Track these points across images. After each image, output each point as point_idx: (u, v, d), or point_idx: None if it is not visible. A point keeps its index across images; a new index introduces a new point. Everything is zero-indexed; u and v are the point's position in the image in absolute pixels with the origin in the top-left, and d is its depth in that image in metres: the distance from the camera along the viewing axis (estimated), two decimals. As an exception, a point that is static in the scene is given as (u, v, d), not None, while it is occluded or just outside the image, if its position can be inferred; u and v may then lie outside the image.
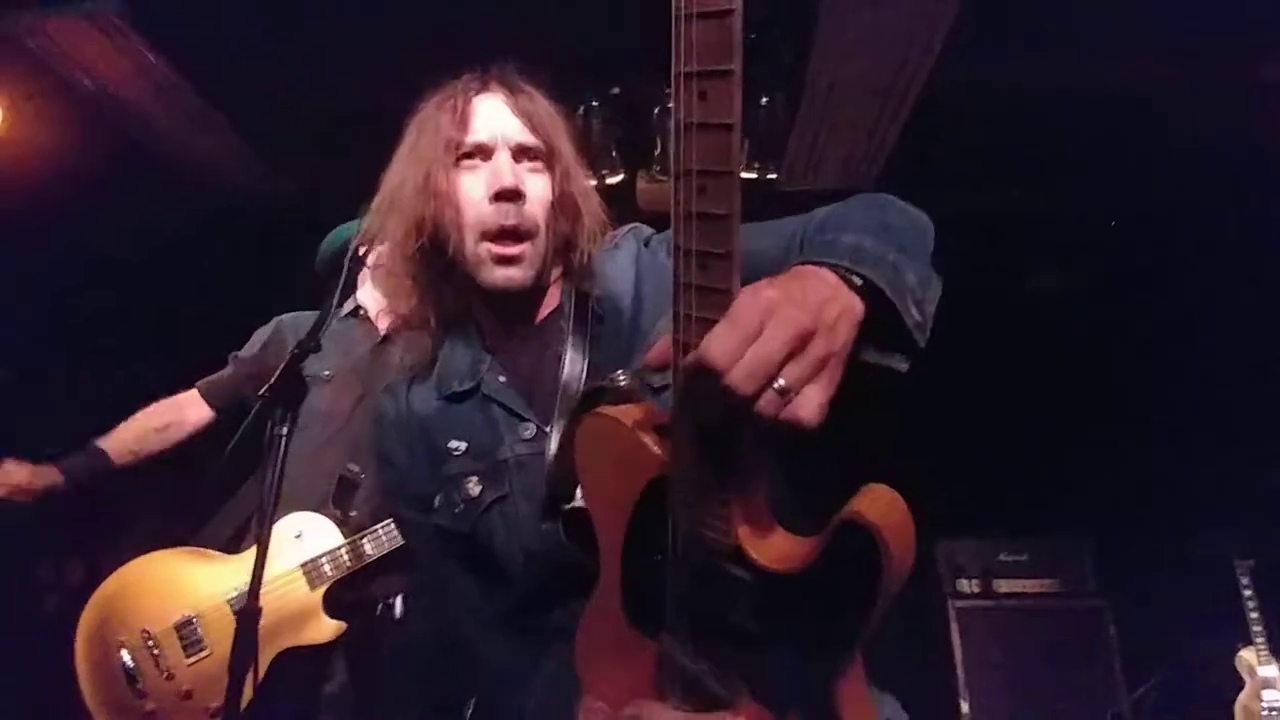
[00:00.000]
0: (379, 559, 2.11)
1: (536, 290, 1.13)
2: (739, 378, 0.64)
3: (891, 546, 0.70)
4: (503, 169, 1.06)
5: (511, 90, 1.12)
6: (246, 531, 2.16)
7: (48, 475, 2.14)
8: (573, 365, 1.06)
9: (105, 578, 2.04)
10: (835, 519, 0.73)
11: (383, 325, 2.54)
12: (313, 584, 2.06)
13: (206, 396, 2.43)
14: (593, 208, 1.15)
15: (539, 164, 1.10)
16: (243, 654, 1.45)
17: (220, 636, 1.96)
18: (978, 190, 3.72)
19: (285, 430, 1.59)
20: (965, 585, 3.85)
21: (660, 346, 0.77)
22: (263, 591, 1.89)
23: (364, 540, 2.11)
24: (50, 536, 3.16)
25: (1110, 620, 3.70)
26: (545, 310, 1.16)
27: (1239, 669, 3.49)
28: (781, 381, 0.65)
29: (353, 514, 2.17)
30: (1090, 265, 3.94)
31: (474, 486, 1.07)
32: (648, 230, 1.22)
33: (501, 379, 1.11)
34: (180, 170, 3.47)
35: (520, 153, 1.09)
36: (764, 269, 0.80)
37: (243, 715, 1.65)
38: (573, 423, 0.93)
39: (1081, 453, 3.96)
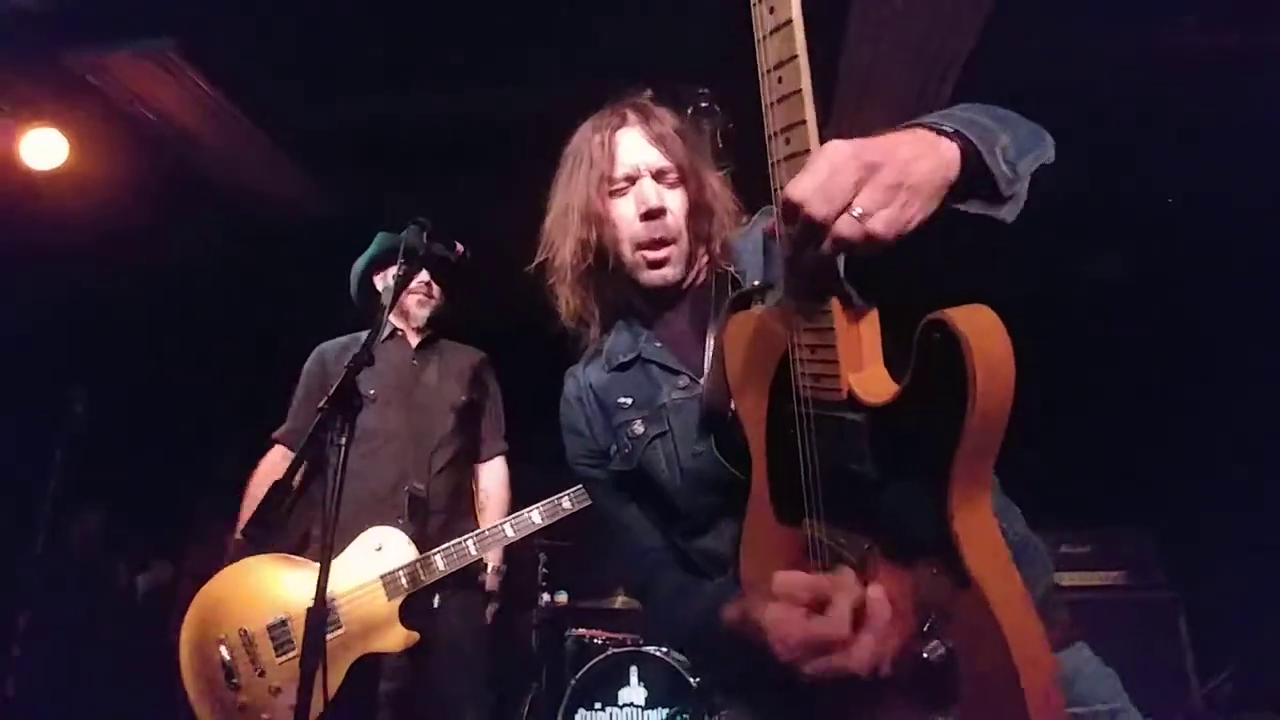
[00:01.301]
0: (448, 574, 2.27)
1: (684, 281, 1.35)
2: (816, 205, 0.78)
3: (972, 340, 0.74)
4: (647, 193, 1.29)
5: (645, 119, 1.34)
6: (312, 540, 2.31)
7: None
8: (716, 328, 1.24)
9: (186, 578, 2.22)
10: (924, 330, 0.79)
11: (414, 342, 2.69)
12: (390, 595, 2.19)
13: (289, 445, 2.59)
14: (724, 203, 1.35)
15: (675, 179, 1.32)
16: (311, 653, 1.55)
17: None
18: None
19: (344, 440, 1.70)
20: (1025, 578, 3.74)
21: (767, 222, 0.95)
22: (347, 600, 2.14)
23: (436, 556, 2.27)
24: (134, 540, 3.42)
25: (1181, 612, 3.53)
26: (692, 285, 1.36)
27: (1321, 662, 3.30)
28: (857, 208, 0.78)
29: (420, 529, 2.34)
30: (1149, 248, 3.71)
31: (638, 426, 1.27)
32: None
33: (657, 345, 1.32)
34: (233, 191, 3.64)
35: (659, 175, 1.31)
36: None
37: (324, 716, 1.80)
38: (720, 332, 1.12)
39: (1143, 441, 3.77)
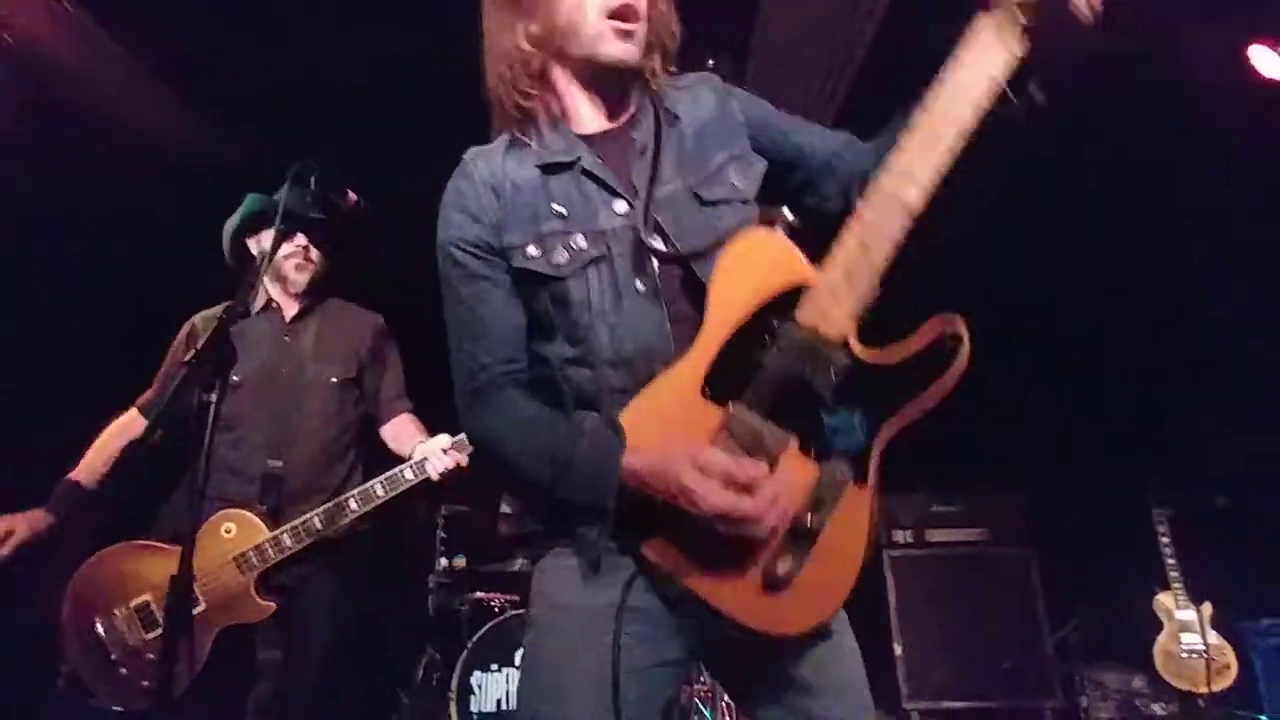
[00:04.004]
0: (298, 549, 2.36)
1: (633, 76, 1.33)
2: None
3: (964, 360, 1.06)
4: None
5: None
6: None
7: (41, 520, 2.38)
8: (644, 160, 1.28)
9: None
10: (943, 333, 1.08)
11: (290, 312, 2.59)
12: (244, 571, 2.33)
13: (147, 414, 2.59)
14: (671, 26, 1.36)
15: None
16: (172, 628, 1.68)
17: (171, 615, 2.36)
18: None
19: (214, 397, 1.65)
20: (900, 536, 4.01)
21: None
22: (200, 581, 2.30)
23: (284, 534, 2.36)
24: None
25: (1035, 567, 3.88)
26: (627, 115, 1.36)
27: (1157, 612, 3.68)
28: None
29: (276, 506, 2.40)
30: (1028, 225, 3.99)
31: (581, 240, 1.25)
32: (716, 78, 1.45)
33: (597, 159, 1.29)
34: (112, 127, 3.38)
35: None
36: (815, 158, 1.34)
37: (191, 681, 2.19)
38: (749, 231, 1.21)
39: (1011, 409, 4.08)
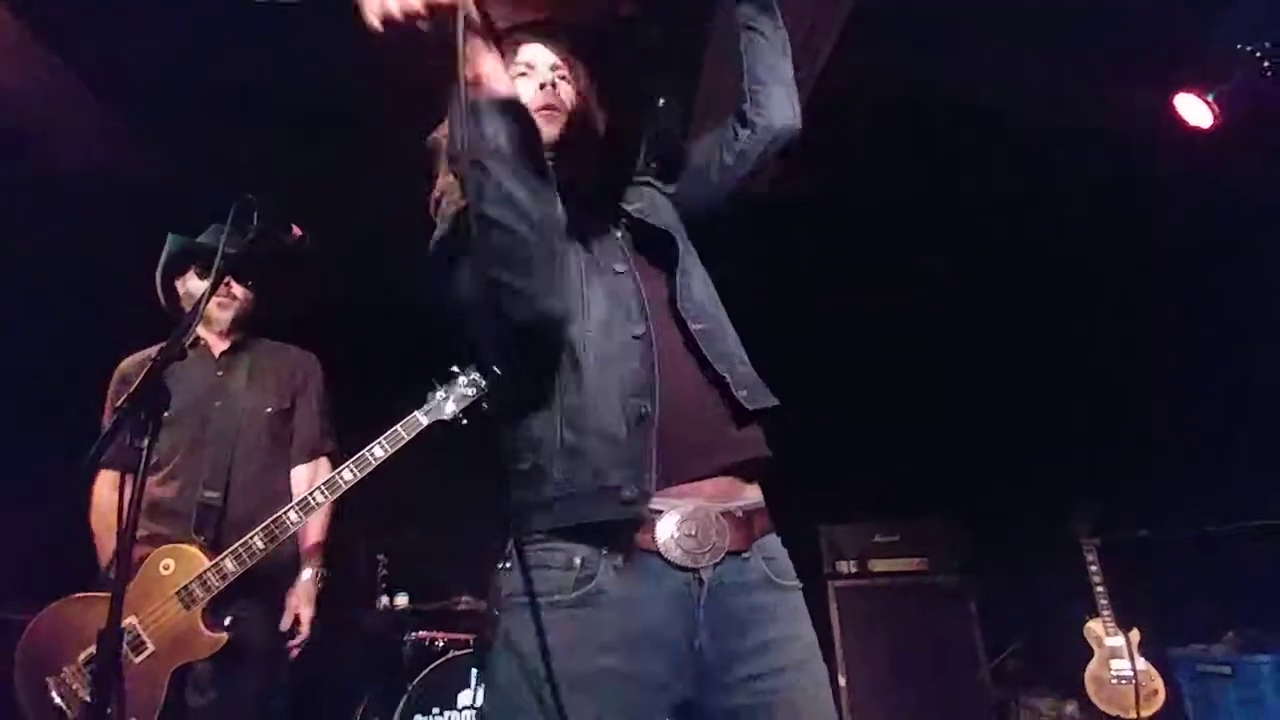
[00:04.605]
0: (241, 573, 2.29)
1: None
2: None
3: None
4: (544, 73, 1.42)
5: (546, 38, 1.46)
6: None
7: None
8: None
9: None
10: None
11: (218, 348, 2.59)
12: (187, 606, 2.24)
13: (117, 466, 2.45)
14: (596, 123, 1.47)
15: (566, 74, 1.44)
16: (102, 674, 1.59)
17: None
18: (874, 177, 3.84)
19: (145, 443, 1.60)
20: (844, 566, 4.06)
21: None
22: (146, 620, 2.21)
23: (226, 559, 2.27)
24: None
25: (973, 595, 3.96)
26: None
27: (1088, 639, 3.77)
28: None
29: (215, 537, 2.35)
30: (969, 254, 4.11)
31: None
32: None
33: None
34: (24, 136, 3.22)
35: (554, 67, 1.43)
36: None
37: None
38: None
39: (949, 441, 4.20)
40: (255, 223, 1.87)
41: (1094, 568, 3.82)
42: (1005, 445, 4.20)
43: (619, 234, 1.40)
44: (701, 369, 1.26)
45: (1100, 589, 3.80)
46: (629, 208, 1.44)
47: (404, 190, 1.48)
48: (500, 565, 1.21)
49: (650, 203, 1.48)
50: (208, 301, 1.78)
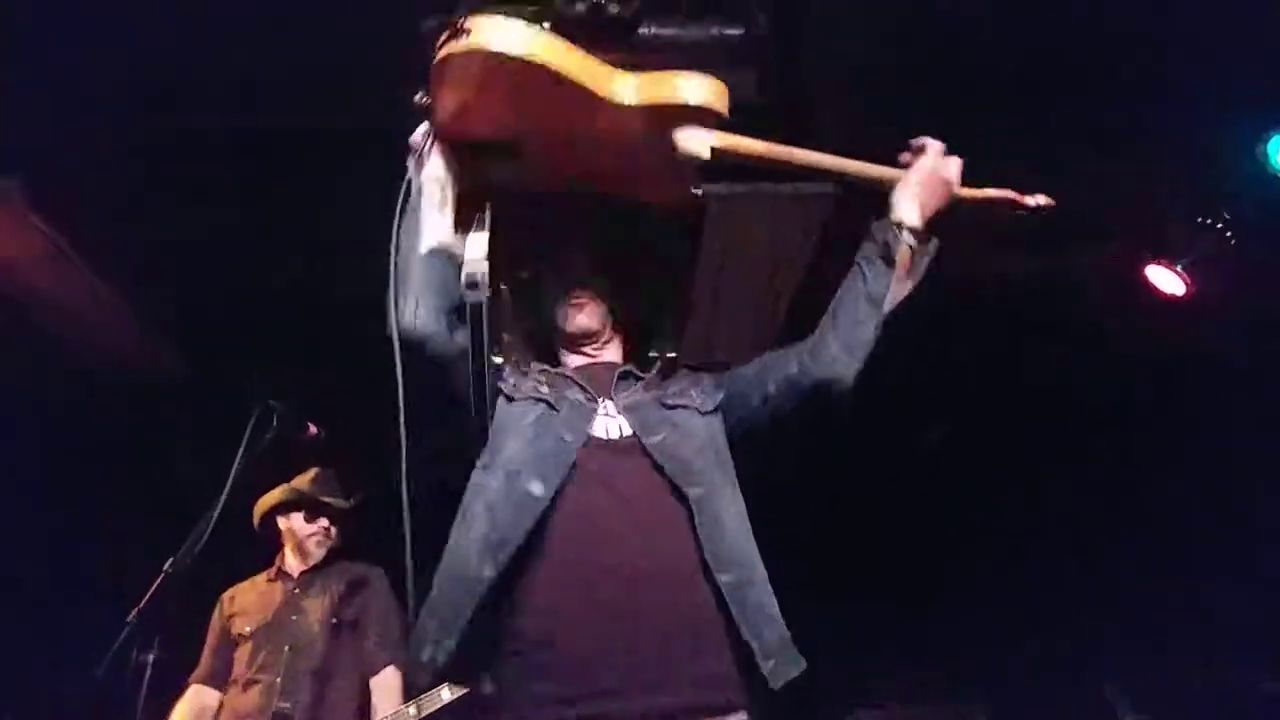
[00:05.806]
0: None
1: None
2: None
3: None
4: None
5: None
6: None
7: None
8: None
9: None
10: None
11: (297, 570, 2.89)
12: None
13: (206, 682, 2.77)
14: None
15: None
16: None
17: None
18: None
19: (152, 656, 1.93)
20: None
21: None
22: None
23: None
24: None
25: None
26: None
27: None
28: None
29: None
30: (967, 418, 4.10)
31: None
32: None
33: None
34: (72, 345, 3.40)
35: None
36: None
37: None
38: None
39: (974, 618, 4.04)
40: (274, 424, 2.00)
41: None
42: (1039, 621, 4.03)
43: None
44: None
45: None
46: (651, 440, 1.40)
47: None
48: None
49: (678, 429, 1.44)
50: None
